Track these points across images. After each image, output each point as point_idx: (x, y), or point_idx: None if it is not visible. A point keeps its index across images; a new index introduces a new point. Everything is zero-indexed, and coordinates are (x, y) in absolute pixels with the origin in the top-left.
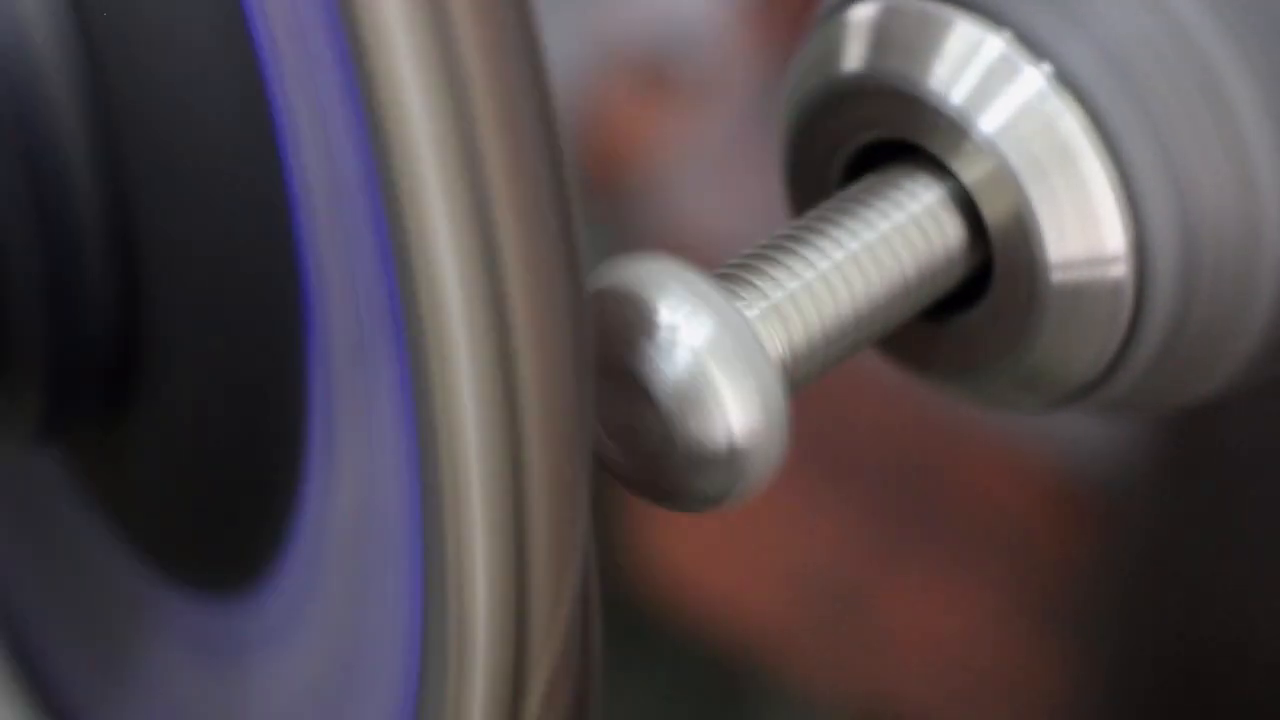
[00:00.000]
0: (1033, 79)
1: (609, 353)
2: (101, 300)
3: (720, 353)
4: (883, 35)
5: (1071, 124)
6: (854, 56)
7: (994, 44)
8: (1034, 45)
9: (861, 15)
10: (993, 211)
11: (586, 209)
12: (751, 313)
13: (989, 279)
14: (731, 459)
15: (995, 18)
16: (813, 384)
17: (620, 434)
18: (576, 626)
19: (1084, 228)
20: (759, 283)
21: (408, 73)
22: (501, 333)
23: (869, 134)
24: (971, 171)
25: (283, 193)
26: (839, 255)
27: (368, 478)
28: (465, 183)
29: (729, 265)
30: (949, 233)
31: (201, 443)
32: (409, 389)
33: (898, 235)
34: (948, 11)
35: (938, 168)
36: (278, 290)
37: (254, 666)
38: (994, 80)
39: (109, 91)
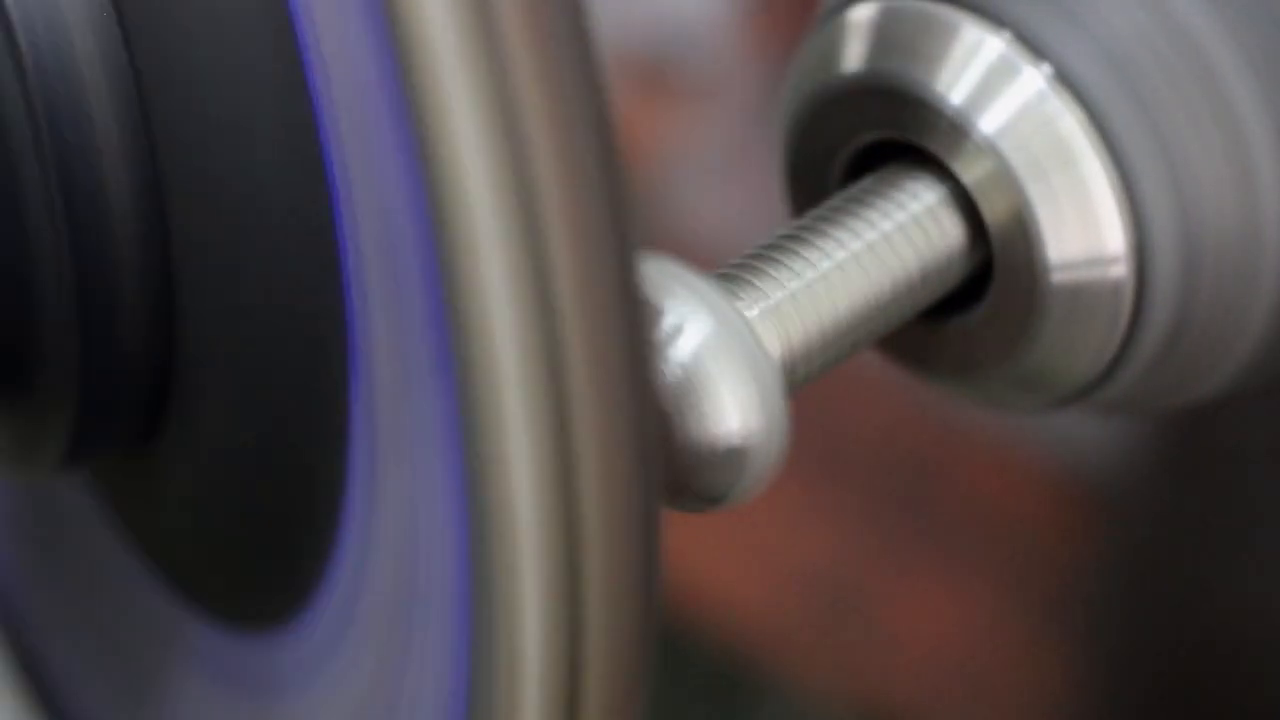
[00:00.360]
0: (1033, 79)
1: None
2: (135, 319)
3: (720, 353)
4: (883, 35)
5: (1071, 124)
6: (854, 57)
7: (994, 44)
8: (1034, 45)
9: (861, 16)
10: (993, 212)
11: None
12: (751, 313)
13: (989, 279)
14: (731, 459)
15: (995, 18)
16: (813, 384)
17: None
18: (634, 669)
19: (1084, 228)
20: (759, 283)
21: (458, 105)
22: (554, 358)
23: (869, 134)
24: (971, 172)
25: (328, 214)
26: (839, 256)
27: (410, 514)
28: (519, 217)
29: (729, 265)
30: (949, 233)
31: (236, 471)
32: (455, 422)
33: (898, 235)
34: (948, 12)
35: (938, 168)
36: (319, 315)
37: (286, 703)
38: (994, 80)
39: (148, 104)
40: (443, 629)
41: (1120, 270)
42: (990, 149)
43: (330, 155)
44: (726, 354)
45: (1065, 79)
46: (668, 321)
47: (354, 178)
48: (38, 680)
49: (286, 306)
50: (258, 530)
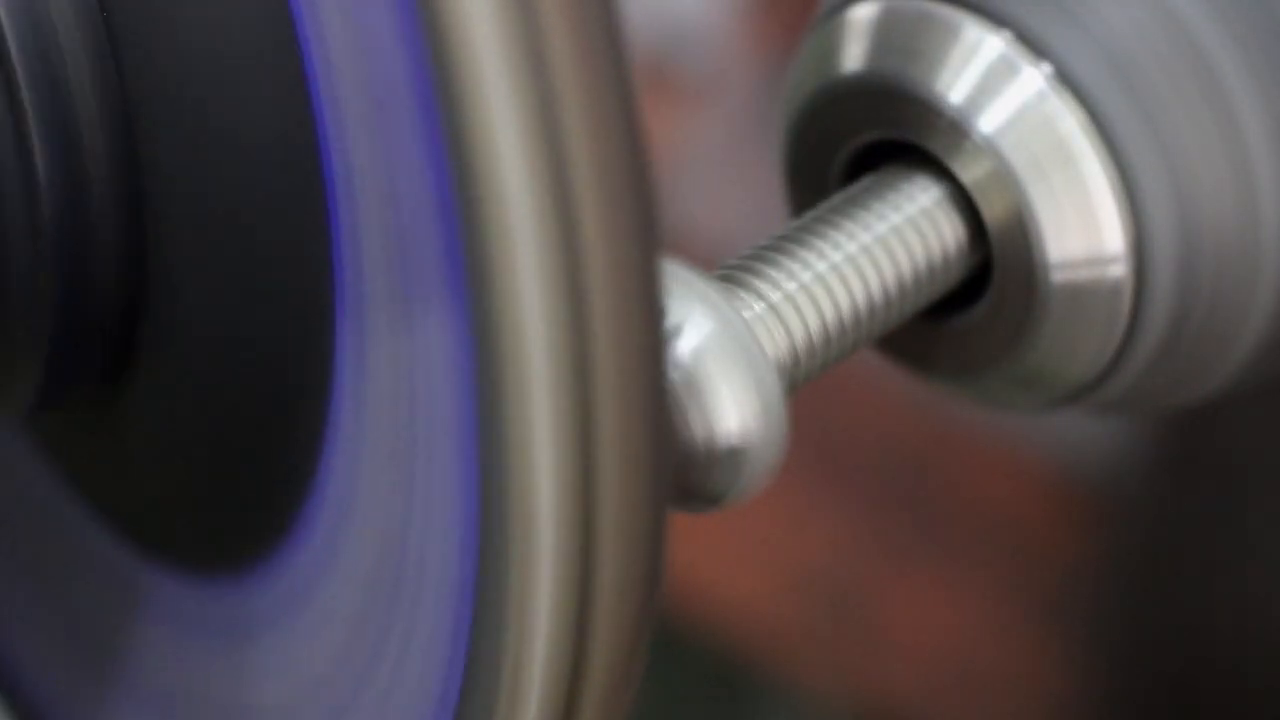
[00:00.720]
0: (1032, 79)
1: None
2: (107, 250)
3: (719, 353)
4: (882, 35)
5: (1071, 124)
6: (853, 56)
7: (993, 44)
8: (1034, 45)
9: (861, 15)
10: (992, 211)
11: None
12: (751, 313)
13: (989, 279)
14: (730, 459)
15: (995, 17)
16: (813, 383)
17: None
18: (647, 568)
19: (1084, 227)
20: (758, 283)
21: None
22: (571, 242)
23: (869, 134)
24: (971, 171)
25: (309, 129)
26: (838, 255)
27: (408, 441)
28: (541, 129)
29: (728, 265)
30: (948, 233)
31: (209, 409)
32: (468, 347)
33: (897, 235)
34: (947, 11)
35: (937, 168)
36: (298, 233)
37: (263, 643)
38: (993, 80)
39: (115, 30)
40: (444, 559)
41: (1120, 270)
42: (990, 149)
43: (308, 44)
44: (725, 354)
45: (1065, 79)
46: (667, 321)
47: (339, 81)
48: None
49: (264, 226)
50: (234, 466)
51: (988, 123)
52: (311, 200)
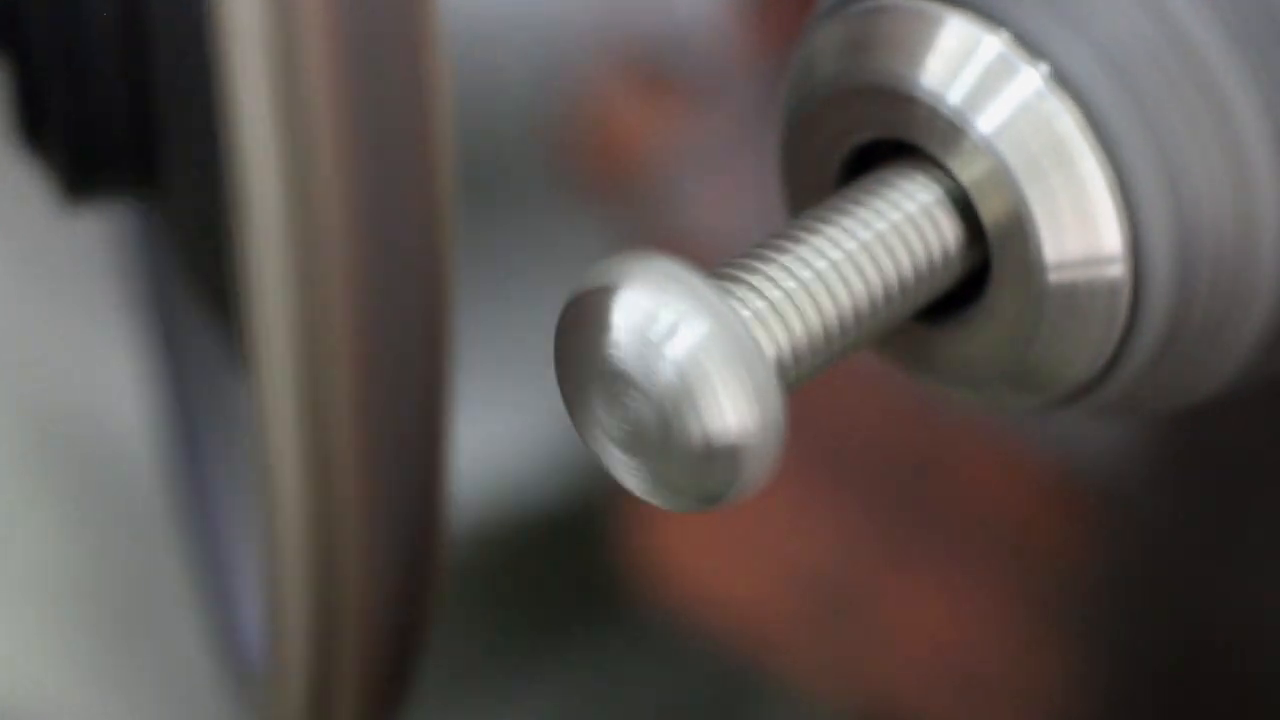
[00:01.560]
0: (1030, 79)
1: (604, 352)
2: (114, 77)
3: (716, 352)
4: (880, 35)
5: (1069, 124)
6: (850, 56)
7: (991, 44)
8: (1031, 45)
9: (858, 14)
10: (990, 211)
11: (584, 208)
12: (748, 312)
13: (986, 279)
14: (727, 458)
15: (992, 17)
16: (811, 383)
17: (617, 433)
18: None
19: (1081, 228)
20: (755, 282)
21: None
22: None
23: (866, 134)
24: (969, 171)
25: None
26: (836, 255)
27: None
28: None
29: (725, 265)
30: (946, 232)
31: (211, 236)
32: None
33: (895, 235)
34: (944, 11)
35: (935, 168)
36: None
37: None
38: (991, 80)
39: None
40: None
41: (1117, 270)
42: (988, 148)
43: None
44: (722, 353)
45: (1063, 78)
46: (663, 320)
47: None
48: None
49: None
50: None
51: (986, 123)
52: None
